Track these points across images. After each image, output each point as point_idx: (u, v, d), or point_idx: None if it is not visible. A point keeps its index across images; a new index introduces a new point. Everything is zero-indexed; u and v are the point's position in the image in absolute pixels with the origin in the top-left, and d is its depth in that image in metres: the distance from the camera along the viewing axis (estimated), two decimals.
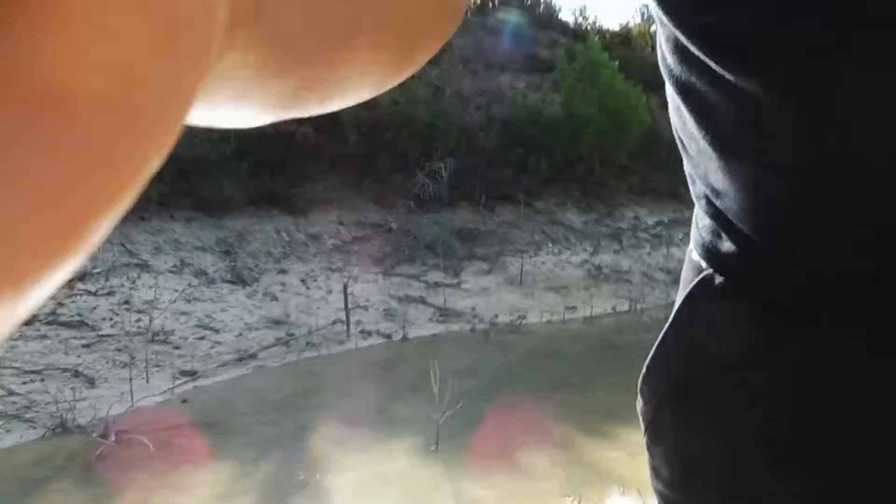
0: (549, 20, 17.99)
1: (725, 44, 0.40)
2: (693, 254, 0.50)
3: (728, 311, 0.46)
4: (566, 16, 20.06)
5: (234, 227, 10.89)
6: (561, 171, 13.39)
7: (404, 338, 8.14)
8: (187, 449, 4.92)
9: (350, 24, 0.16)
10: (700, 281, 0.47)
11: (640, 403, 0.52)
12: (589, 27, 18.08)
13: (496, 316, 9.05)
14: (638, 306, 9.55)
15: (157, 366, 6.79)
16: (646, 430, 0.52)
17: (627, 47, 16.18)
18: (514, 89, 15.17)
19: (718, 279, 0.46)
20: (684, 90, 0.45)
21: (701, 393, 0.48)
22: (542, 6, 18.19)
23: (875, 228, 0.39)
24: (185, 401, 6.02)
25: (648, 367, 0.51)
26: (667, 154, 12.51)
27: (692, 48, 0.42)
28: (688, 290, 0.49)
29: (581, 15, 21.35)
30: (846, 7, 0.35)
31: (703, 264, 0.48)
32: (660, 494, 0.51)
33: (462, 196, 12.49)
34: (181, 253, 9.92)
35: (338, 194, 11.93)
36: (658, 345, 0.51)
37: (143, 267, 9.21)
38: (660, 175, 13.31)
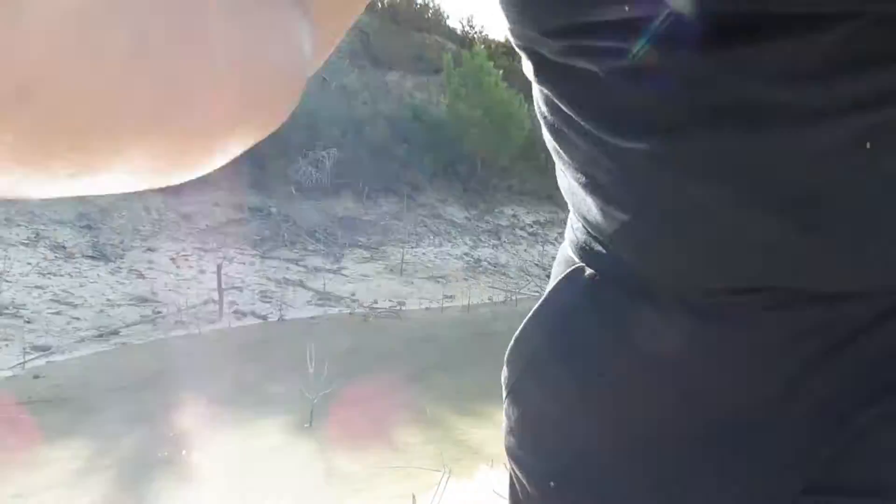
0: (437, 25, 18.19)
1: (595, 108, 0.44)
2: (567, 249, 0.55)
3: (593, 296, 0.51)
4: (454, 23, 20.30)
5: (96, 202, 10.22)
6: (444, 168, 13.62)
7: (280, 319, 7.97)
8: (39, 425, 4.59)
9: (115, 136, 0.16)
10: (573, 270, 0.53)
11: (504, 372, 0.57)
12: (476, 35, 18.46)
13: (375, 301, 9.06)
14: (513, 297, 9.89)
15: (6, 340, 6.26)
16: (507, 396, 0.56)
17: (511, 58, 16.65)
18: (401, 88, 15.28)
19: (588, 271, 0.51)
20: (558, 136, 0.49)
21: (559, 362, 0.53)
22: (430, 11, 18.36)
23: (707, 256, 0.45)
24: (36, 376, 5.59)
25: (517, 339, 0.56)
26: (545, 159, 13.03)
27: (563, 106, 0.46)
28: (560, 276, 0.54)
29: (468, 23, 21.72)
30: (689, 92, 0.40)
31: (576, 258, 0.53)
32: (509, 451, 0.56)
33: (345, 186, 12.40)
34: (36, 225, 9.20)
35: (212, 175, 11.47)
36: (527, 320, 0.56)
37: None
38: (538, 178, 13.87)
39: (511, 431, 0.56)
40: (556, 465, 0.53)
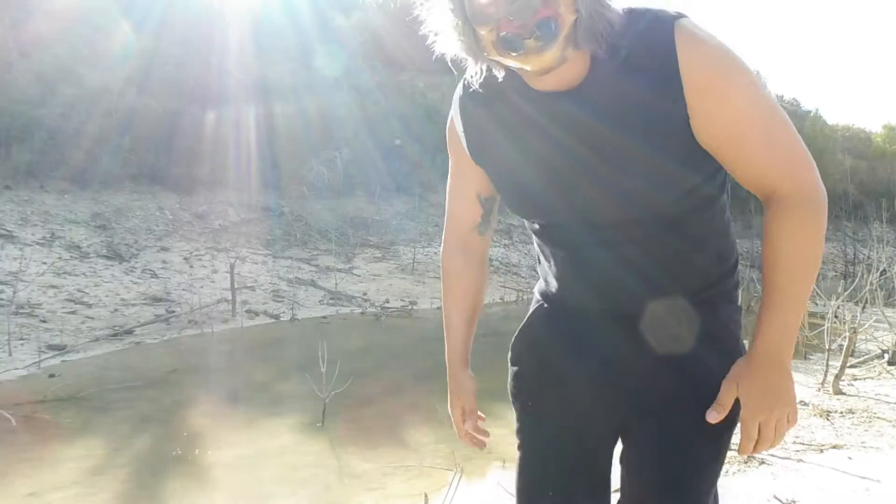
0: None
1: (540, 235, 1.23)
2: (541, 286, 1.30)
3: (550, 313, 1.28)
4: None
5: (111, 202, 10.30)
6: None
7: (293, 318, 8.00)
8: (54, 424, 4.62)
9: None
10: (539, 302, 1.31)
11: (510, 352, 1.33)
12: None
13: (387, 300, 9.06)
14: (525, 297, 9.85)
15: (21, 339, 6.31)
16: (511, 364, 1.32)
17: None
18: (413, 87, 15.23)
19: (545, 303, 1.30)
20: (535, 244, 1.31)
21: (545, 339, 1.27)
22: None
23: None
24: (52, 375, 5.64)
25: (521, 331, 1.31)
26: None
27: (534, 235, 1.28)
28: (535, 303, 1.32)
29: None
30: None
31: (539, 297, 1.32)
32: (510, 390, 1.33)
33: (357, 186, 12.41)
34: (51, 225, 9.28)
35: (225, 175, 11.54)
36: (525, 321, 1.31)
37: (7, 237, 8.54)
38: None
39: (512, 378, 1.31)
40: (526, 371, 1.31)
